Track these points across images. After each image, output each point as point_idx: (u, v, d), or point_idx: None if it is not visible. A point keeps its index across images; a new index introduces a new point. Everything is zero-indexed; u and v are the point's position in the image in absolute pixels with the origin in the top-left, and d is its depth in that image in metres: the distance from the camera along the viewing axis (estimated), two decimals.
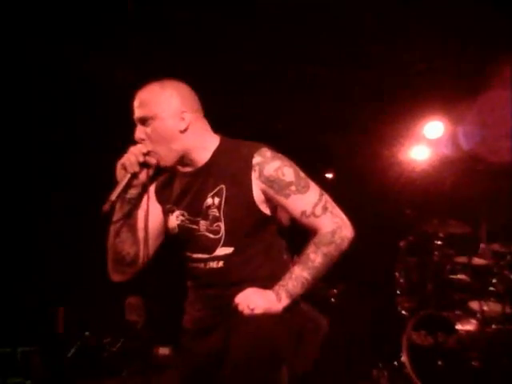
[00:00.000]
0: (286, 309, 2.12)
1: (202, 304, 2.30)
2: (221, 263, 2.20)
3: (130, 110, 2.27)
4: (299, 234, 2.25)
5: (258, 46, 5.16)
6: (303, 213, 2.17)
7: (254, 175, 2.16)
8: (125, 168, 2.16)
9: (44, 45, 4.85)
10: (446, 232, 5.09)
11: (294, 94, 6.06)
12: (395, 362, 4.77)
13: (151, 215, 2.29)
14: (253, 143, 2.25)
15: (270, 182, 2.15)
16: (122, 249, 2.26)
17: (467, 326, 4.55)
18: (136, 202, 2.27)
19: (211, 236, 2.20)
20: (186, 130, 2.22)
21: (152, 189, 2.37)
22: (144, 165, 2.18)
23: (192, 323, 2.34)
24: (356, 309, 4.79)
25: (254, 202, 2.17)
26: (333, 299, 5.32)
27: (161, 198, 2.37)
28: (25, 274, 5.52)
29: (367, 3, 4.65)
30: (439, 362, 4.48)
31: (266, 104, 6.20)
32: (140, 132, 2.22)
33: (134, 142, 2.23)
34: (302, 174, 2.20)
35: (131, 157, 2.16)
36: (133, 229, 2.27)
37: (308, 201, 2.17)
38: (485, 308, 4.63)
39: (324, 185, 2.26)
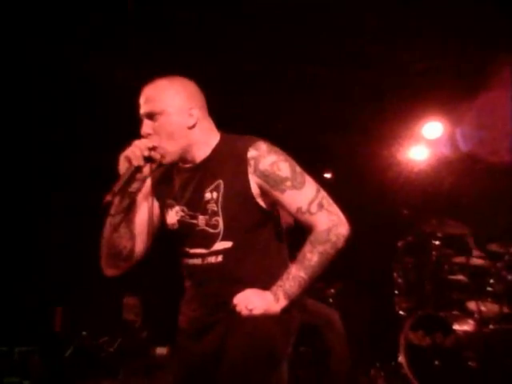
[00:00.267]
0: (284, 309, 2.11)
1: (198, 303, 2.28)
2: (220, 258, 2.19)
3: (129, 110, 2.29)
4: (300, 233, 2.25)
5: (258, 46, 5.16)
6: (299, 209, 2.16)
7: (250, 169, 2.15)
8: (129, 160, 2.14)
9: (43, 44, 4.85)
10: (444, 232, 5.08)
11: (293, 94, 6.06)
12: (393, 362, 4.79)
13: (149, 210, 2.30)
14: (249, 137, 2.24)
15: (265, 176, 2.14)
16: (119, 243, 2.25)
17: (465, 326, 4.55)
18: (135, 196, 2.26)
19: (210, 230, 2.20)
20: (193, 126, 2.22)
21: (150, 182, 2.36)
22: (148, 159, 2.17)
23: (188, 323, 2.32)
24: (354, 309, 4.80)
25: (251, 196, 2.17)
26: (331, 299, 5.32)
27: (158, 192, 2.36)
28: (23, 273, 5.53)
29: (367, 3, 4.65)
30: (437, 362, 4.48)
31: (265, 104, 6.21)
32: (147, 127, 2.20)
33: (134, 139, 2.20)
34: (299, 169, 2.19)
35: (136, 150, 2.14)
36: (130, 223, 2.26)
37: (304, 197, 2.15)
38: (482, 308, 4.64)
39: (323, 184, 2.25)
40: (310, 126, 6.56)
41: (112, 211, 2.22)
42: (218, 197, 2.19)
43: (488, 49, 5.03)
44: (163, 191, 2.36)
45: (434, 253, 5.01)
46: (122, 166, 2.16)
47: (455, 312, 4.74)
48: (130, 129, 2.30)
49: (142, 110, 2.22)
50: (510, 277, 4.70)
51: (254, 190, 2.17)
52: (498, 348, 4.46)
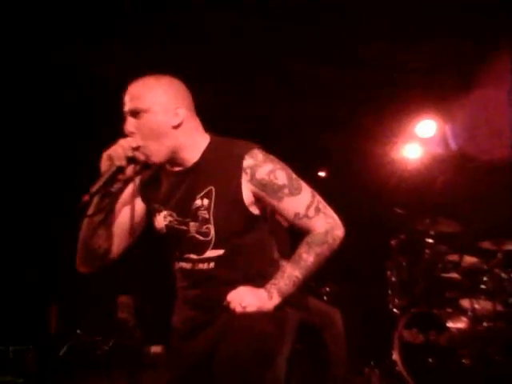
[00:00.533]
0: (278, 307, 2.11)
1: (191, 304, 2.26)
2: (211, 264, 2.17)
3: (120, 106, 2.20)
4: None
5: (254, 45, 5.15)
6: (296, 215, 2.15)
7: (245, 178, 2.12)
8: (111, 160, 2.08)
9: (40, 42, 4.84)
10: (436, 230, 5.11)
11: (287, 93, 6.06)
12: (387, 360, 4.80)
13: (131, 212, 2.26)
14: (243, 143, 2.20)
15: (262, 185, 2.12)
16: (96, 243, 2.20)
17: (458, 324, 4.57)
18: (116, 197, 2.21)
19: (201, 238, 2.17)
20: (178, 126, 2.16)
21: (135, 184, 2.31)
22: (132, 160, 2.11)
23: (181, 323, 2.30)
24: (348, 307, 4.80)
25: (243, 204, 2.14)
26: (325, 297, 5.32)
27: (145, 195, 2.32)
28: (17, 272, 5.52)
29: (362, 2, 4.66)
30: (430, 360, 4.50)
31: (260, 103, 6.21)
32: (130, 125, 2.14)
33: (119, 138, 2.15)
34: (294, 176, 2.18)
35: (119, 149, 2.09)
36: (109, 223, 2.21)
37: (301, 203, 2.15)
38: (476, 306, 4.66)
39: (317, 183, 2.26)
40: (304, 124, 6.57)
41: (90, 211, 2.16)
42: (209, 204, 2.14)
43: (482, 47, 5.04)
44: (150, 194, 2.30)
45: (427, 251, 5.03)
46: (104, 165, 2.10)
47: (449, 310, 4.75)
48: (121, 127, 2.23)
49: (127, 107, 2.16)
50: (503, 274, 4.73)
51: (247, 198, 2.14)
52: (492, 345, 4.48)
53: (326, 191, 2.26)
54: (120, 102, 2.19)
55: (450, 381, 4.35)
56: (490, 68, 5.13)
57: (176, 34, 4.96)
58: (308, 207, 2.15)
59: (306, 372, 4.76)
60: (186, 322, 2.27)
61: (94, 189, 2.02)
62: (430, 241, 5.07)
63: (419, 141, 6.48)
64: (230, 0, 4.56)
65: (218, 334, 2.12)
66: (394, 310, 5.09)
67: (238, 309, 2.05)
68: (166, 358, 5.30)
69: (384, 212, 5.99)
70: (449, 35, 5.00)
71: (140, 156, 2.13)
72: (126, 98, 2.17)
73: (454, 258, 4.99)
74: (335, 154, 6.77)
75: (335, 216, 2.21)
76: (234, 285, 2.11)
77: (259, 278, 2.16)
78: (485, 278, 4.76)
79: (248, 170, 2.12)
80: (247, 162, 2.12)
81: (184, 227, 2.20)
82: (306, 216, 2.15)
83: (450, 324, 4.50)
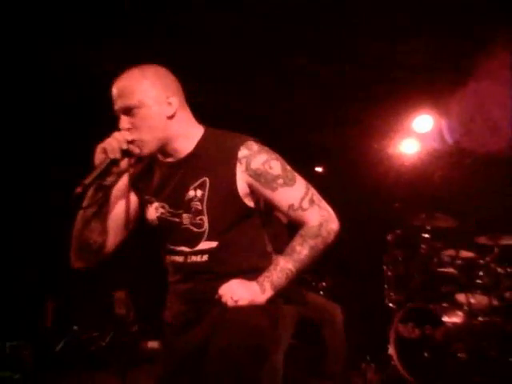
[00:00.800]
0: (270, 300, 2.10)
1: (183, 298, 2.24)
2: (205, 257, 2.15)
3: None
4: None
5: (251, 44, 5.14)
6: (290, 206, 2.14)
7: (240, 168, 2.11)
8: (105, 152, 2.05)
9: (40, 42, 4.84)
10: (433, 225, 5.12)
11: (284, 90, 6.06)
12: (383, 355, 4.81)
13: (125, 205, 2.23)
14: (238, 135, 2.20)
15: (257, 175, 2.11)
16: (90, 237, 2.18)
17: (454, 319, 4.58)
18: (110, 190, 2.17)
19: (194, 229, 2.15)
20: (173, 115, 2.14)
21: (129, 176, 2.27)
22: (126, 153, 2.09)
23: (173, 317, 2.29)
24: (344, 302, 4.81)
25: (238, 195, 2.13)
26: (321, 292, 5.33)
27: (139, 187, 2.29)
28: (13, 268, 5.51)
29: (358, 0, 4.66)
30: (426, 354, 4.51)
31: (256, 99, 6.21)
32: (124, 122, 2.11)
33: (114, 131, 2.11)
34: (289, 167, 2.17)
35: (114, 142, 2.06)
36: (103, 217, 2.18)
37: (295, 194, 2.14)
38: (471, 300, 4.67)
39: (314, 179, 2.26)
40: (301, 120, 6.57)
41: (84, 204, 2.13)
42: (203, 195, 2.13)
43: (478, 42, 5.04)
44: (143, 186, 2.28)
45: (423, 246, 5.04)
46: (98, 158, 2.07)
47: (445, 304, 4.77)
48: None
49: (117, 106, 2.12)
50: (498, 269, 4.74)
51: (242, 189, 2.13)
52: (487, 340, 4.49)
53: (323, 187, 2.26)
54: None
55: (445, 375, 4.36)
56: (485, 63, 5.13)
57: (175, 34, 4.95)
58: (302, 199, 2.14)
59: (304, 367, 4.78)
60: (178, 316, 2.26)
61: (87, 181, 1.99)
62: (427, 236, 5.08)
63: (416, 136, 6.48)
64: None
65: (210, 328, 2.10)
66: (390, 304, 5.10)
67: (230, 302, 2.03)
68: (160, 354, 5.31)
69: (381, 207, 6.00)
70: (445, 30, 5.00)
71: (135, 149, 2.10)
72: (114, 96, 2.13)
73: (450, 252, 5.01)
74: (332, 149, 6.76)
75: (330, 209, 2.20)
76: (226, 278, 2.10)
77: (252, 271, 2.15)
78: (481, 273, 4.78)
79: (243, 160, 2.11)
80: (242, 152, 2.12)
81: (176, 219, 2.18)
82: (301, 207, 2.14)
83: (445, 319, 4.51)
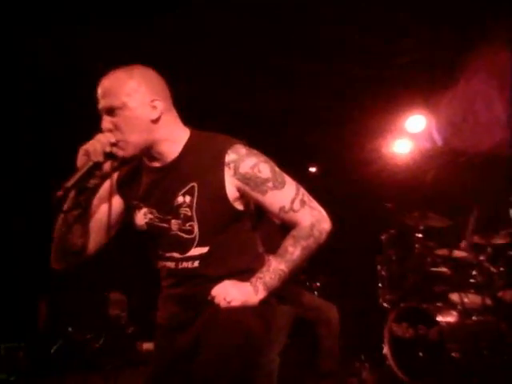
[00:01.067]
0: (264, 301, 2.09)
1: (176, 301, 2.23)
2: (196, 263, 2.14)
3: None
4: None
5: (244, 41, 5.14)
6: (281, 208, 2.13)
7: (229, 173, 2.08)
8: (88, 155, 2.01)
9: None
10: (426, 225, 5.12)
11: (277, 89, 6.06)
12: (377, 354, 4.82)
13: (108, 209, 2.18)
14: (225, 138, 2.17)
15: (246, 179, 2.09)
16: (70, 240, 2.14)
17: (448, 318, 4.58)
18: (93, 193, 2.13)
19: (184, 236, 2.13)
20: (158, 119, 2.09)
21: (113, 179, 2.23)
22: (109, 155, 2.05)
23: (166, 319, 2.28)
24: (338, 302, 4.81)
25: (227, 200, 2.11)
26: (316, 292, 5.34)
27: (124, 192, 2.26)
28: (7, 270, 5.50)
29: None
30: (420, 354, 4.51)
31: (250, 98, 6.21)
32: (107, 122, 2.07)
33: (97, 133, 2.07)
34: (278, 169, 2.15)
35: (97, 144, 2.01)
36: (84, 220, 2.14)
37: (286, 196, 2.13)
38: (465, 300, 4.67)
39: (307, 179, 2.26)
40: (294, 120, 6.57)
41: (65, 207, 2.08)
42: (191, 201, 2.10)
43: (472, 42, 5.05)
44: (129, 190, 2.24)
45: (416, 245, 5.04)
46: (80, 160, 2.03)
47: (438, 304, 4.76)
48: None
49: (101, 105, 2.08)
50: (492, 268, 4.74)
51: (231, 194, 2.11)
52: (481, 339, 4.50)
53: (317, 187, 2.26)
54: None
55: (439, 374, 4.37)
56: (478, 63, 5.15)
57: (172, 32, 4.94)
58: (293, 200, 2.13)
59: (299, 367, 4.79)
60: (171, 318, 2.25)
61: (69, 184, 1.96)
62: (420, 235, 5.09)
63: (409, 136, 6.50)
64: None
65: (201, 328, 2.10)
66: (385, 304, 5.10)
67: (223, 303, 2.03)
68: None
69: (374, 207, 6.01)
70: (438, 31, 5.01)
71: (118, 151, 2.06)
72: (99, 95, 2.09)
73: (443, 252, 5.01)
74: (326, 149, 6.77)
75: (321, 209, 2.19)
76: (218, 281, 2.10)
77: (244, 273, 2.14)
78: (474, 272, 4.78)
79: (231, 165, 2.09)
80: (230, 156, 2.09)
81: (165, 225, 2.16)
82: (292, 209, 2.13)
83: (439, 318, 4.51)
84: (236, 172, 2.09)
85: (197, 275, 2.15)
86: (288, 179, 2.16)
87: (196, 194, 2.11)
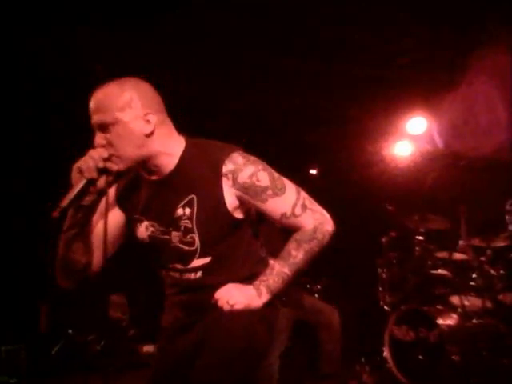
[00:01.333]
0: (267, 304, 2.09)
1: (180, 307, 2.24)
2: (199, 274, 2.14)
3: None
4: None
5: (244, 40, 5.14)
6: (283, 215, 2.13)
7: (227, 183, 2.07)
8: (81, 172, 1.98)
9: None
10: (426, 228, 5.13)
11: (278, 89, 6.06)
12: (377, 357, 4.82)
13: (110, 222, 2.13)
14: (221, 147, 2.14)
15: (244, 188, 2.08)
16: (73, 258, 2.12)
17: (448, 321, 4.58)
18: (91, 210, 2.10)
19: (185, 248, 2.12)
20: (151, 133, 2.06)
21: (112, 194, 2.22)
22: (103, 171, 2.01)
23: (170, 323, 2.29)
24: (339, 304, 4.82)
25: (227, 210, 2.09)
26: (316, 295, 5.34)
27: (124, 205, 2.24)
28: (8, 272, 5.50)
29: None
30: (421, 357, 4.51)
31: (249, 99, 6.20)
32: (100, 138, 2.03)
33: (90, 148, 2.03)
34: (277, 175, 2.14)
35: (89, 161, 1.98)
36: (85, 237, 2.12)
37: (286, 202, 2.12)
38: (465, 302, 4.67)
39: (308, 181, 2.26)
40: (295, 122, 6.57)
41: (65, 226, 2.06)
42: (191, 213, 2.09)
43: (474, 44, 5.05)
44: (129, 204, 2.22)
45: (417, 248, 5.05)
46: (74, 178, 2.00)
47: (439, 306, 4.76)
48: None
49: (93, 120, 2.04)
50: (492, 271, 4.74)
51: (230, 204, 2.09)
52: (481, 342, 4.50)
53: (317, 189, 2.25)
54: None
55: (439, 377, 4.36)
56: (480, 65, 5.15)
57: (162, 30, 4.94)
58: (294, 206, 2.13)
59: (300, 369, 4.79)
60: (175, 322, 2.26)
61: (64, 204, 1.94)
62: (420, 238, 5.09)
63: (410, 138, 6.49)
64: None
65: (204, 331, 2.10)
66: (385, 306, 5.11)
67: (226, 306, 2.03)
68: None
69: (375, 209, 6.01)
70: (440, 32, 5.01)
71: (112, 166, 2.03)
72: (91, 110, 2.05)
73: (443, 254, 5.02)
74: (326, 151, 6.77)
75: (323, 211, 2.19)
76: (222, 287, 2.09)
77: (247, 278, 2.14)
78: (474, 275, 4.78)
79: (229, 175, 2.07)
80: (227, 167, 2.07)
81: (167, 236, 2.15)
82: (293, 215, 2.13)
83: (439, 321, 4.51)
84: (235, 182, 2.08)
85: (201, 285, 2.15)
86: (288, 184, 2.15)
87: (195, 205, 2.09)
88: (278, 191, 2.11)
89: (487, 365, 4.39)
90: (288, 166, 2.22)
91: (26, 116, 5.53)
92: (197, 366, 2.02)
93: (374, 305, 5.24)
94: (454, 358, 4.36)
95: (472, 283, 4.77)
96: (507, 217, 4.75)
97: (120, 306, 5.97)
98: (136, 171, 2.18)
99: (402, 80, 5.68)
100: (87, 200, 2.05)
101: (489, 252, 4.79)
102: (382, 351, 4.72)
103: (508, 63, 5.21)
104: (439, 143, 6.13)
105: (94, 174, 1.99)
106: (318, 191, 2.26)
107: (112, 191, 2.21)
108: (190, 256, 2.13)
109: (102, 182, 2.04)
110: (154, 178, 2.16)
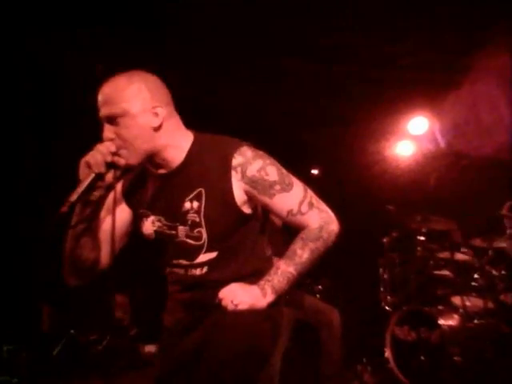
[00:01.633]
0: (271, 304, 2.06)
1: (183, 306, 2.22)
2: (204, 269, 2.13)
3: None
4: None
5: (245, 41, 5.14)
6: (290, 211, 2.11)
7: (236, 177, 2.06)
8: (89, 167, 1.96)
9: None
10: (428, 228, 5.12)
11: (279, 90, 6.06)
12: (379, 357, 4.81)
13: (117, 219, 2.13)
14: (230, 141, 2.14)
15: (253, 182, 2.06)
16: (81, 254, 2.10)
17: (450, 321, 4.57)
18: (98, 205, 2.09)
19: (192, 242, 2.11)
20: (160, 127, 2.05)
21: (119, 189, 2.20)
22: (111, 165, 2.00)
23: (173, 323, 2.27)
24: (340, 304, 4.82)
25: (235, 204, 2.08)
26: (318, 295, 5.34)
27: (131, 200, 2.22)
28: (10, 272, 5.50)
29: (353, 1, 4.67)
30: (422, 357, 4.51)
31: (251, 100, 6.21)
32: (108, 131, 2.02)
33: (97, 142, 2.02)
34: (285, 171, 2.13)
35: (97, 155, 1.96)
36: (93, 233, 2.11)
37: (294, 199, 2.11)
38: (467, 303, 4.67)
39: (310, 181, 2.25)
40: (297, 122, 6.57)
41: (73, 221, 2.04)
42: (199, 207, 2.07)
43: (475, 44, 5.05)
44: (136, 199, 2.21)
45: (419, 248, 5.04)
46: (82, 173, 1.98)
47: (440, 307, 4.75)
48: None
49: (101, 113, 2.03)
50: (493, 271, 4.73)
51: (239, 197, 2.08)
52: (483, 342, 4.50)
53: (319, 189, 2.25)
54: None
55: (441, 378, 4.36)
56: (482, 65, 5.14)
57: (163, 29, 4.94)
58: (301, 203, 2.11)
59: (301, 369, 4.79)
60: (178, 321, 2.24)
61: (73, 199, 1.92)
62: (422, 238, 5.09)
63: (411, 138, 6.49)
64: None
65: (208, 332, 2.08)
66: (386, 307, 5.11)
67: (230, 306, 2.00)
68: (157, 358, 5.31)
69: (376, 209, 6.00)
70: (442, 32, 5.01)
71: (120, 161, 2.02)
72: (99, 103, 2.04)
73: (445, 255, 5.01)
74: (328, 151, 6.77)
75: (329, 210, 2.18)
76: (226, 285, 2.07)
77: (252, 276, 2.13)
78: (476, 276, 4.77)
79: (238, 169, 2.06)
80: (237, 160, 2.06)
81: (173, 232, 2.13)
82: (300, 212, 2.11)
83: (441, 321, 4.50)
84: (243, 176, 2.06)
85: (206, 281, 2.13)
86: (295, 181, 2.14)
87: (204, 199, 2.08)
88: (286, 187, 2.10)
89: (489, 365, 4.39)
90: (289, 166, 2.20)
91: (27, 115, 5.53)
92: (201, 367, 2.01)
93: (375, 305, 5.24)
94: (455, 358, 4.36)
95: (474, 284, 4.77)
96: (506, 221, 4.73)
97: (122, 305, 5.97)
98: (142, 165, 2.15)
99: (404, 80, 5.68)
100: (95, 195, 2.03)
101: (490, 252, 4.78)
102: (384, 351, 4.72)
103: (509, 63, 5.20)
104: (441, 143, 6.14)
105: (103, 169, 1.98)
106: (319, 191, 2.25)
107: (118, 186, 2.19)
108: (197, 251, 2.12)
109: (110, 176, 2.03)
110: (161, 171, 2.15)
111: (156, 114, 2.05)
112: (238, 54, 5.35)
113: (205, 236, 2.09)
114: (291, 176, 2.15)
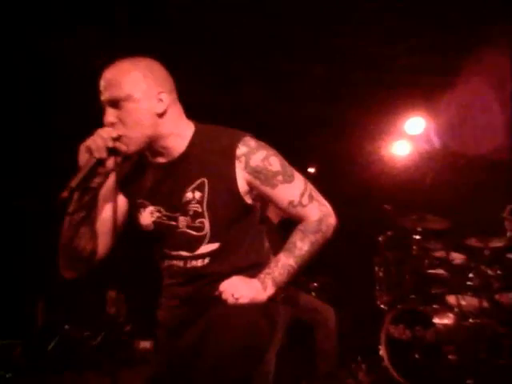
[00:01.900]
0: (271, 299, 2.05)
1: (180, 301, 2.18)
2: (206, 261, 2.10)
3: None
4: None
5: (244, 42, 5.15)
6: (290, 202, 2.11)
7: (240, 166, 2.05)
8: (90, 152, 1.92)
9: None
10: (424, 227, 5.13)
11: (277, 91, 6.07)
12: (374, 356, 4.82)
13: (114, 208, 2.10)
14: (233, 131, 2.12)
15: (256, 172, 2.06)
16: (78, 244, 2.04)
17: (445, 320, 4.58)
18: (98, 192, 2.04)
19: (193, 233, 2.08)
20: (164, 113, 2.02)
21: (115, 178, 2.15)
22: (113, 151, 1.95)
23: (169, 318, 2.23)
24: (335, 303, 4.82)
25: (239, 194, 2.07)
26: (313, 293, 5.35)
27: (127, 190, 2.18)
28: (4, 267, 5.49)
29: (350, 1, 4.67)
30: (417, 356, 4.51)
31: (249, 100, 6.21)
32: (110, 115, 1.98)
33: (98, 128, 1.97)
34: (286, 163, 2.13)
35: (99, 140, 1.91)
36: (91, 222, 2.06)
37: (295, 190, 2.11)
38: (462, 302, 4.67)
39: (306, 179, 2.26)
40: (293, 121, 6.57)
41: (70, 209, 1.99)
42: (202, 197, 2.05)
43: (471, 44, 5.06)
44: (134, 189, 2.17)
45: (414, 247, 5.05)
46: (82, 158, 1.93)
47: (435, 306, 4.75)
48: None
49: (104, 97, 1.99)
50: (489, 271, 4.73)
51: (242, 187, 2.07)
52: (478, 341, 4.50)
53: (316, 187, 2.25)
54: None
55: (436, 377, 4.37)
56: (478, 65, 5.15)
57: (166, 31, 4.94)
58: (302, 195, 2.11)
59: (295, 367, 4.79)
60: (175, 317, 2.20)
61: (74, 184, 1.86)
62: (418, 237, 5.09)
63: (408, 138, 6.50)
64: None
65: (206, 327, 2.04)
66: (381, 305, 5.10)
67: (231, 300, 1.97)
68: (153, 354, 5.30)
69: (372, 208, 6.01)
70: (438, 33, 5.02)
71: (121, 146, 1.97)
72: (102, 87, 1.99)
73: (440, 254, 5.01)
74: (324, 150, 6.77)
75: (327, 204, 2.18)
76: (227, 277, 2.04)
77: (252, 268, 2.12)
78: (471, 275, 4.77)
79: (242, 158, 2.05)
80: (241, 150, 2.06)
81: (173, 222, 2.11)
82: (301, 204, 2.11)
83: (436, 320, 4.51)
84: (247, 165, 2.06)
85: (206, 273, 2.11)
86: (297, 173, 2.14)
87: (206, 189, 2.06)
88: (288, 178, 2.10)
89: (483, 364, 4.40)
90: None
91: (27, 111, 5.53)
92: (199, 363, 1.97)
93: (370, 303, 5.24)
94: (450, 357, 4.37)
95: (469, 283, 4.77)
96: (506, 223, 4.74)
97: (116, 301, 5.96)
98: (141, 153, 2.11)
99: (401, 81, 5.69)
100: (95, 182, 2.00)
101: (486, 252, 4.78)
102: (379, 350, 4.72)
103: (506, 64, 5.22)
104: (437, 143, 6.15)
105: (104, 154, 1.93)
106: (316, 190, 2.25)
107: (115, 174, 2.15)
108: (199, 242, 2.09)
109: (110, 162, 1.99)
110: (161, 160, 2.12)
111: (160, 100, 2.02)
112: (238, 55, 5.35)
113: (207, 226, 2.07)
114: (292, 168, 2.15)
